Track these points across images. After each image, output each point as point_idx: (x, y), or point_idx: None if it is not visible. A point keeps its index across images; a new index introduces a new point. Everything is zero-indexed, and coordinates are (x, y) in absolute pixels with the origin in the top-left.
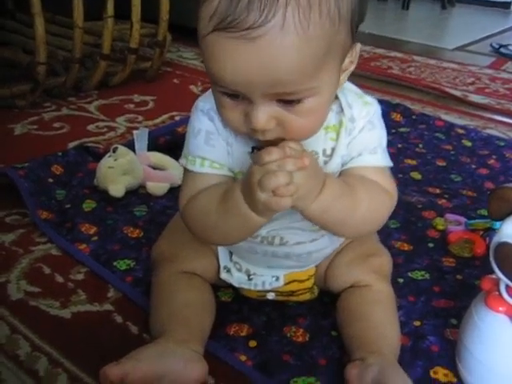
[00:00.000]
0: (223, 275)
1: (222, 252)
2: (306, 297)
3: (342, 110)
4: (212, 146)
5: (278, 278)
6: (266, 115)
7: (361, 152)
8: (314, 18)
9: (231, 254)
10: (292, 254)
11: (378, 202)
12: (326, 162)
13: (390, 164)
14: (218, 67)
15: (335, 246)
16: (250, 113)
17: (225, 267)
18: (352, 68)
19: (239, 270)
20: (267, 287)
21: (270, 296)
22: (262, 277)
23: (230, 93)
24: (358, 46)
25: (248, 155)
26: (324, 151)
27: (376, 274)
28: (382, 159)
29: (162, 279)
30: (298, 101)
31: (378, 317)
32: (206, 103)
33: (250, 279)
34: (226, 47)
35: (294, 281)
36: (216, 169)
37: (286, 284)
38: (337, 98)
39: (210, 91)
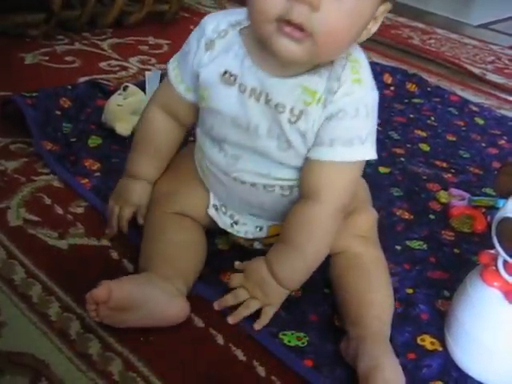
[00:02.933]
0: (211, 211)
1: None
2: None
3: (328, 79)
4: (184, 60)
5: (261, 229)
6: None
7: (333, 141)
8: None
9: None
10: (266, 205)
11: (318, 235)
12: (290, 122)
13: (370, 157)
14: None
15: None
16: None
17: (214, 205)
18: (374, 29)
19: (224, 213)
20: (250, 236)
21: (258, 245)
22: (244, 225)
23: None
24: (388, 6)
25: (219, 77)
26: (291, 109)
27: (362, 239)
28: (359, 153)
29: (153, 218)
30: None
31: (362, 285)
32: (210, 27)
33: (232, 225)
34: None
35: (278, 234)
36: (178, 82)
37: (272, 237)
38: (332, 63)
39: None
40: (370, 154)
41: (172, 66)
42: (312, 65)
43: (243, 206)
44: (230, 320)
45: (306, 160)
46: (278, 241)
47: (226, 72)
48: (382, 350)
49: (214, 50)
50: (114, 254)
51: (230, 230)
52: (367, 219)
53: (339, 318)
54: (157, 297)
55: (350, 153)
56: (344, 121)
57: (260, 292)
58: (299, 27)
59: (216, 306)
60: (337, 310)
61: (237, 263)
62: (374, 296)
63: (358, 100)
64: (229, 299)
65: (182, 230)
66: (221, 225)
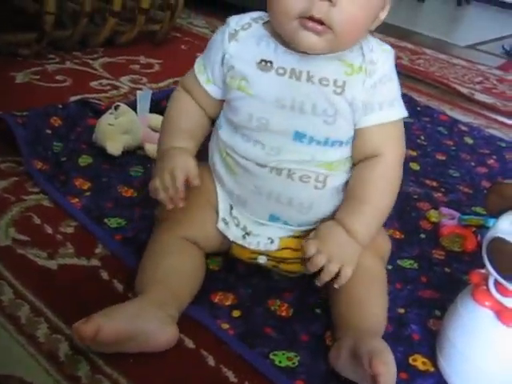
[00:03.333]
0: (221, 226)
1: (222, 203)
2: (296, 268)
3: (362, 54)
4: (208, 52)
5: (273, 242)
6: None
7: (381, 104)
8: None
9: (231, 207)
10: (295, 200)
11: (387, 189)
12: (336, 93)
13: (406, 114)
14: None
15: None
16: None
17: (223, 219)
18: (383, 17)
19: (237, 225)
20: (261, 248)
21: (262, 260)
22: (257, 237)
23: None
24: None
25: (256, 65)
26: (335, 81)
27: (370, 252)
28: (400, 111)
29: (156, 241)
30: None
31: (360, 295)
32: (233, 20)
33: (245, 237)
34: None
35: (288, 248)
36: (200, 73)
37: (280, 250)
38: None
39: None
40: (405, 111)
41: (200, 58)
42: (334, 52)
43: (268, 205)
44: (318, 283)
45: (359, 131)
46: (346, 202)
47: (261, 60)
48: (380, 341)
49: (239, 40)
50: (104, 274)
51: (240, 242)
52: (384, 241)
53: (332, 336)
54: (146, 328)
55: (396, 112)
56: (387, 85)
57: (337, 253)
58: (320, 22)
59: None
60: (333, 324)
61: (310, 235)
62: (376, 310)
63: (391, 66)
64: (310, 268)
65: (184, 257)
66: (231, 237)
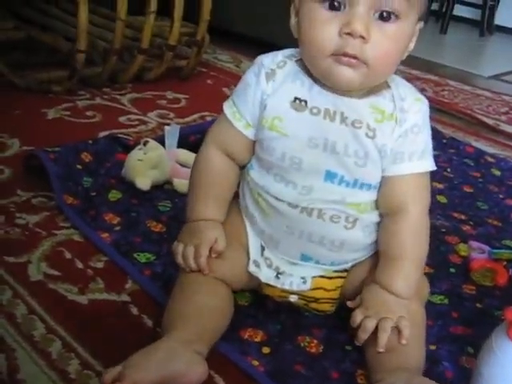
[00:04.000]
0: (252, 268)
1: (253, 245)
2: (326, 307)
3: (393, 101)
4: (243, 96)
5: (305, 282)
6: (365, 22)
7: (412, 155)
8: None
9: (263, 248)
10: (326, 239)
11: (418, 241)
12: (368, 136)
13: (434, 167)
14: None
15: (366, 252)
16: (351, 19)
17: (254, 261)
18: (412, 46)
19: (269, 266)
20: (294, 288)
21: (293, 298)
22: (290, 277)
23: (333, 2)
24: (421, 24)
25: (289, 104)
26: (368, 125)
27: (418, 299)
28: (429, 164)
29: (186, 278)
30: (392, 18)
31: (416, 341)
32: (267, 59)
33: (278, 277)
34: None
35: (320, 288)
36: (236, 119)
37: (312, 290)
38: (390, 87)
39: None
40: (434, 164)
41: (228, 105)
42: (370, 87)
43: (300, 244)
44: (381, 349)
45: (386, 178)
46: (381, 261)
47: (296, 99)
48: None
49: (276, 79)
50: (134, 310)
51: (273, 282)
52: (424, 283)
53: (365, 375)
54: (178, 370)
55: (425, 164)
56: (418, 135)
57: (385, 312)
58: (354, 57)
59: (358, 342)
60: (372, 365)
61: (349, 302)
62: (416, 352)
63: (424, 116)
64: (362, 336)
65: (212, 294)
66: (263, 279)
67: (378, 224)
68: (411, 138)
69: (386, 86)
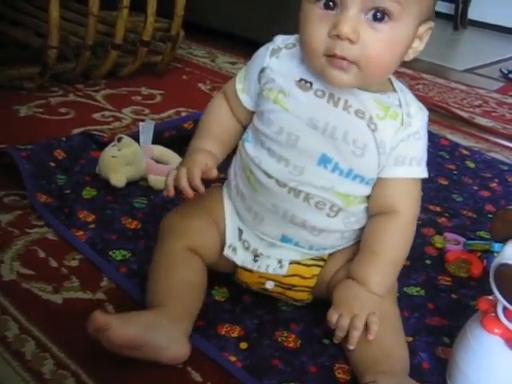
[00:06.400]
0: (227, 252)
1: (230, 229)
2: (303, 296)
3: (399, 102)
4: (251, 63)
5: (282, 266)
6: (354, 24)
7: (412, 160)
8: None
9: (241, 232)
10: (308, 223)
11: (401, 243)
12: (369, 128)
13: (427, 175)
14: None
15: (345, 242)
16: (339, 21)
17: (230, 245)
18: (421, 47)
19: (247, 248)
20: (270, 272)
21: (269, 285)
22: (267, 259)
23: (328, 2)
24: (431, 24)
25: (295, 82)
26: (370, 118)
27: (389, 296)
28: (425, 171)
29: (165, 252)
30: (385, 19)
31: (387, 338)
32: (280, 38)
33: (255, 260)
34: None
35: (297, 275)
36: (239, 81)
37: (289, 276)
38: (396, 91)
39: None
40: (427, 172)
41: (242, 69)
42: (371, 85)
43: (282, 224)
44: (351, 347)
45: (383, 180)
46: (361, 254)
47: (301, 79)
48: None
49: (280, 56)
50: (110, 308)
51: (249, 265)
52: (395, 284)
53: (343, 368)
54: (157, 342)
55: (422, 170)
56: (419, 142)
57: (358, 308)
58: (344, 59)
59: (336, 339)
60: (356, 368)
61: (329, 315)
62: (398, 351)
63: (425, 126)
64: (339, 335)
65: (192, 271)
66: (239, 262)
67: (360, 218)
68: (413, 143)
69: (391, 88)
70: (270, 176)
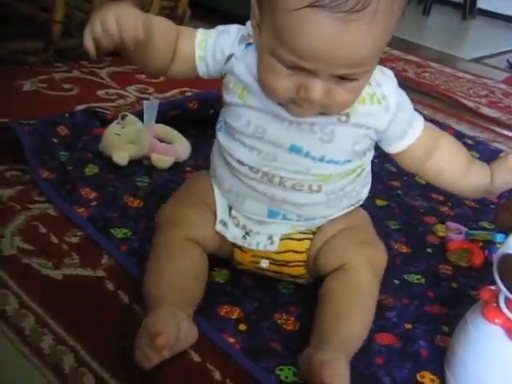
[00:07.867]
0: (219, 227)
1: (221, 205)
2: (300, 271)
3: (371, 86)
4: (218, 41)
5: (272, 242)
6: (323, 89)
7: (409, 123)
8: (395, 9)
9: (230, 208)
10: (288, 200)
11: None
12: (340, 120)
13: (422, 119)
14: (306, 41)
15: (334, 210)
16: (308, 85)
17: (221, 221)
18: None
19: (236, 224)
20: (260, 248)
21: (264, 263)
22: (257, 236)
23: (292, 65)
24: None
25: (254, 77)
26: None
27: (365, 262)
28: (421, 120)
29: (163, 243)
30: (353, 80)
31: (343, 311)
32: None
33: (245, 237)
34: (321, 25)
35: (289, 250)
36: (200, 48)
37: (281, 252)
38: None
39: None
40: (422, 121)
41: (203, 32)
42: None
43: (265, 201)
44: None
45: (402, 151)
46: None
47: None
48: (335, 353)
49: (246, 48)
50: (110, 285)
51: (240, 242)
52: (381, 254)
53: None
54: (183, 330)
55: (420, 122)
56: (404, 107)
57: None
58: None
59: None
60: (311, 331)
61: None
62: (355, 329)
63: (397, 88)
64: None
65: (190, 259)
66: (230, 238)
67: (346, 191)
68: (401, 115)
69: None
70: (242, 164)
